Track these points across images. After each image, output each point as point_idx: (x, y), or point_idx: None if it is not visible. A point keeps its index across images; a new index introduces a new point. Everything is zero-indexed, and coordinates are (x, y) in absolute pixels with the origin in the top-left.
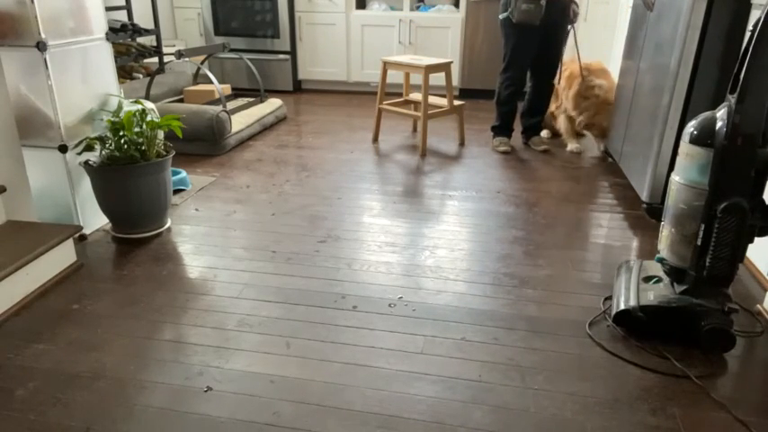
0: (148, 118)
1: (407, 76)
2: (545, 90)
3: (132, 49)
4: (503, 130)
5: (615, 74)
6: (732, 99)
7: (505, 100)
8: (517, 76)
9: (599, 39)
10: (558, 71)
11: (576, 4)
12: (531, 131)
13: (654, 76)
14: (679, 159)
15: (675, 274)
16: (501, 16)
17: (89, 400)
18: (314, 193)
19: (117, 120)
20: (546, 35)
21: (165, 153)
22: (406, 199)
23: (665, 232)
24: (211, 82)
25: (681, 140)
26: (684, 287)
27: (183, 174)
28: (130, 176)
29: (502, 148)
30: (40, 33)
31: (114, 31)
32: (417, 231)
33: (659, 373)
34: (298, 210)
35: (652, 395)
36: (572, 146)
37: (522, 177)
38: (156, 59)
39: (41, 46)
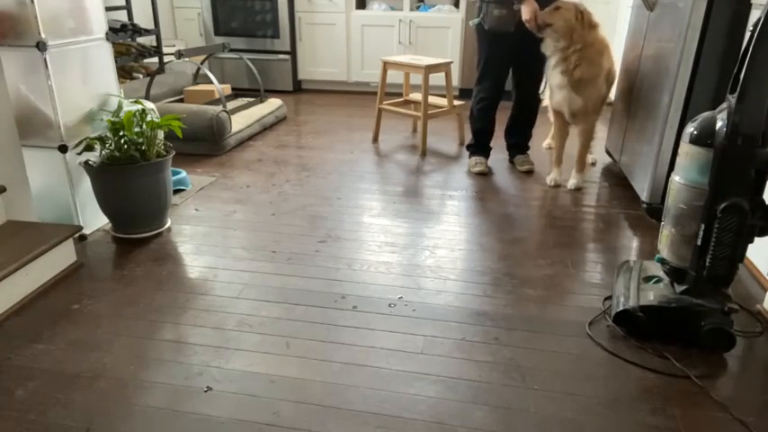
0: (148, 118)
1: (407, 76)
2: (529, 106)
3: (132, 49)
4: (477, 149)
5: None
6: (732, 99)
7: (477, 116)
8: (491, 89)
9: None
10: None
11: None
12: (514, 150)
13: (654, 76)
14: (679, 159)
15: (675, 274)
16: (472, 23)
17: (89, 400)
18: (314, 193)
19: (117, 120)
20: (526, 44)
21: (165, 153)
22: (406, 199)
23: (665, 232)
24: (211, 82)
25: (681, 140)
26: (684, 287)
27: (183, 174)
28: (130, 176)
29: (476, 169)
30: (40, 33)
31: (114, 31)
32: (417, 231)
33: (659, 373)
34: (298, 210)
35: (652, 395)
36: (551, 176)
37: (523, 177)
38: (156, 59)
39: (41, 46)
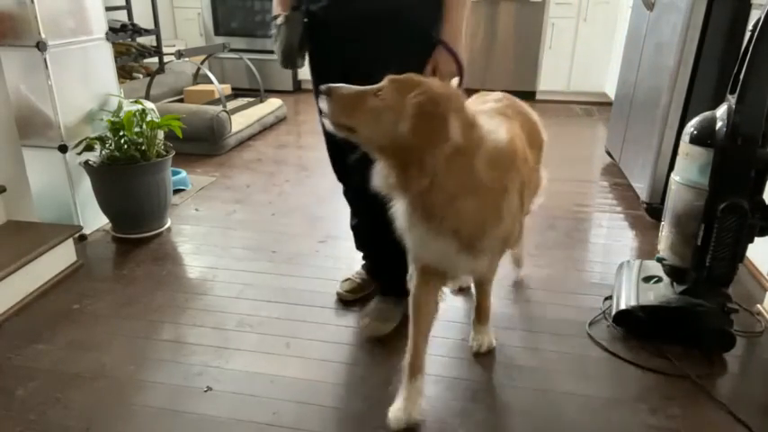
0: (148, 118)
1: None
2: (368, 221)
3: (132, 49)
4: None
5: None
6: (732, 99)
7: (352, 224)
8: (337, 170)
9: (599, 39)
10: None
11: (456, 60)
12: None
13: (654, 76)
14: (679, 159)
15: (675, 274)
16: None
17: (89, 400)
18: (314, 193)
19: (117, 120)
20: None
21: (165, 153)
22: None
23: (665, 232)
24: (211, 82)
25: (681, 140)
26: (684, 287)
27: (183, 174)
28: (130, 176)
29: (366, 331)
30: (40, 33)
31: (114, 31)
32: None
33: (659, 373)
34: (298, 210)
35: (652, 395)
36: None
37: None
38: (156, 59)
39: (41, 46)
